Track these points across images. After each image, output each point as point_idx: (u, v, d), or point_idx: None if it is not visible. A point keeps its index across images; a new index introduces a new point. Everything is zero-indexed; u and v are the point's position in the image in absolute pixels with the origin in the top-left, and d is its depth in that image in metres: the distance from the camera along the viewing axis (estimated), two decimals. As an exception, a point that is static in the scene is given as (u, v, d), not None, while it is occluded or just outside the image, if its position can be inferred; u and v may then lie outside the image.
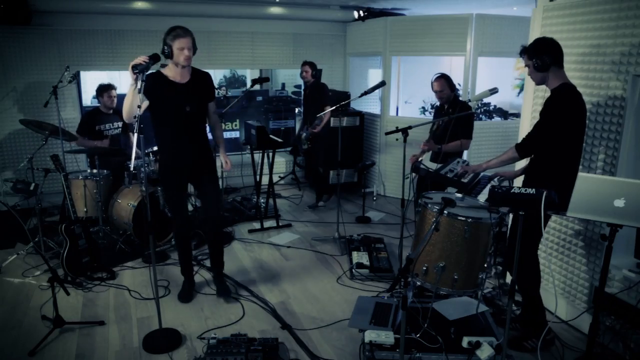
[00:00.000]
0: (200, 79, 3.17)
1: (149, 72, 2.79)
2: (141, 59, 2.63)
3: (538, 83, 2.74)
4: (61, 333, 3.06)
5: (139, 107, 2.61)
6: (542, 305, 2.87)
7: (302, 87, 5.71)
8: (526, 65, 2.73)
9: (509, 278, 3.64)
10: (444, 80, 4.05)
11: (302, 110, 5.88)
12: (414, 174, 3.97)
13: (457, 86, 6.06)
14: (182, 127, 3.13)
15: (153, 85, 2.90)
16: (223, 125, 6.92)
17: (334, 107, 4.46)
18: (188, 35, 2.96)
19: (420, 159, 4.10)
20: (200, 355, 2.74)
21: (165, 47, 2.95)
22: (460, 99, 5.24)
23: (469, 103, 3.69)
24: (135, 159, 2.51)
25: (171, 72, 3.06)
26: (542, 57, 2.59)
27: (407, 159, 3.89)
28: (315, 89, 5.39)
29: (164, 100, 3.03)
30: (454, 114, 3.67)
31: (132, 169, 2.67)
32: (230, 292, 3.52)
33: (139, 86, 2.59)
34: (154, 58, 2.71)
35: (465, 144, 4.01)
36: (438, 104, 4.31)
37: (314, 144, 5.38)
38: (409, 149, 3.87)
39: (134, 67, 2.60)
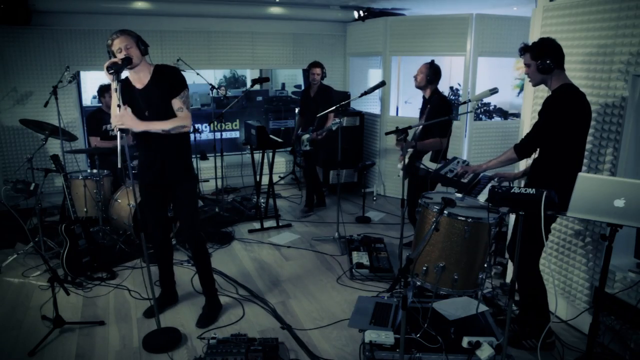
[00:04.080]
0: (161, 77, 2.86)
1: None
2: (114, 59, 2.63)
3: (536, 84, 2.73)
4: (61, 333, 3.06)
5: (119, 106, 2.59)
6: (548, 314, 2.85)
7: (304, 87, 5.65)
8: (526, 64, 2.71)
9: (509, 278, 3.64)
10: (427, 66, 3.98)
11: (299, 110, 5.82)
12: (401, 173, 3.93)
13: (457, 86, 6.08)
14: (145, 135, 2.87)
15: (123, 91, 2.76)
16: (223, 125, 6.94)
17: (333, 108, 4.45)
18: (122, 35, 2.74)
19: (401, 161, 4.09)
20: (200, 355, 2.74)
21: (109, 54, 2.77)
22: (461, 99, 5.24)
23: (469, 103, 3.67)
24: (120, 159, 2.51)
25: (131, 76, 2.89)
26: (546, 59, 2.57)
27: (407, 159, 3.89)
28: (323, 92, 5.28)
29: (130, 107, 2.81)
30: (429, 110, 3.62)
31: (118, 166, 2.64)
32: (207, 325, 3.17)
33: (115, 86, 2.58)
34: (126, 61, 2.68)
35: (437, 142, 3.85)
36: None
37: (315, 146, 5.34)
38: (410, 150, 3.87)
39: (109, 68, 2.57)
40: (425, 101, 4.15)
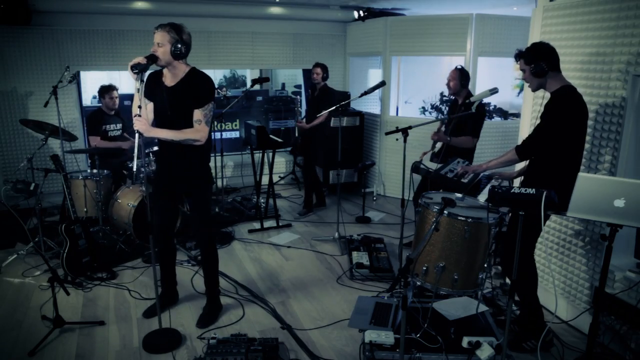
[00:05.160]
0: (191, 82, 2.84)
1: (153, 71, 2.76)
2: (139, 59, 2.59)
3: (535, 89, 2.74)
4: (61, 333, 3.06)
5: (139, 107, 2.61)
6: (540, 309, 2.86)
7: (304, 87, 5.68)
8: (522, 70, 2.72)
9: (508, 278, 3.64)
10: (458, 72, 4.09)
11: (305, 110, 5.84)
12: (414, 174, 3.98)
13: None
14: (165, 140, 2.89)
15: (149, 85, 2.81)
16: (223, 125, 6.93)
17: (333, 107, 4.46)
18: (162, 30, 2.71)
19: (421, 158, 4.11)
20: (200, 355, 2.74)
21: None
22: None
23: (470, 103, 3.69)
24: (136, 159, 2.52)
25: (165, 71, 2.89)
26: (540, 63, 2.58)
27: (407, 159, 3.89)
28: (323, 93, 5.31)
29: (154, 103, 2.88)
30: (462, 112, 3.68)
31: (134, 169, 2.65)
32: (207, 325, 3.17)
33: (138, 86, 2.57)
34: (151, 59, 2.67)
35: (469, 140, 4.00)
36: (438, 103, 4.33)
37: (306, 141, 5.34)
38: (409, 149, 3.87)
39: (133, 67, 2.56)
40: (457, 102, 4.20)
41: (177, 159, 2.94)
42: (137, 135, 2.58)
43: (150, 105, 2.89)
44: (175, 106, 2.83)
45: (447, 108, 4.27)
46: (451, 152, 3.87)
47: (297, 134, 5.31)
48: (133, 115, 2.63)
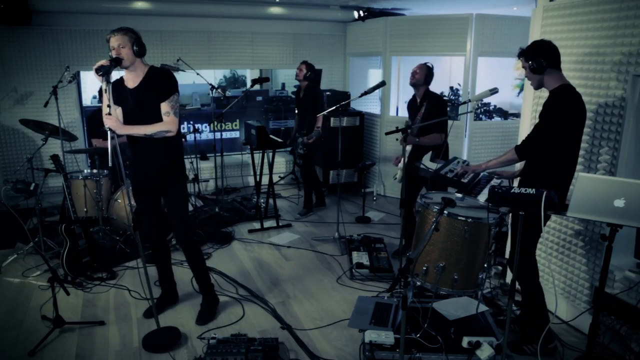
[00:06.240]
0: (152, 78, 2.89)
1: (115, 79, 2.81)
2: (102, 62, 2.61)
3: (536, 87, 2.74)
4: (61, 333, 3.06)
5: (109, 106, 2.60)
6: (543, 301, 2.84)
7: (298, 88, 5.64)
8: (523, 67, 2.73)
9: (509, 278, 3.64)
10: (424, 66, 4.05)
11: (295, 111, 5.82)
12: (398, 177, 3.98)
13: (457, 86, 6.09)
14: (134, 137, 2.91)
15: (114, 92, 2.83)
16: (223, 125, 6.93)
17: (333, 108, 4.45)
18: (118, 34, 2.76)
19: (395, 164, 4.13)
20: (200, 355, 2.74)
21: (109, 51, 2.80)
22: (461, 99, 5.25)
23: (469, 103, 3.68)
24: (111, 158, 2.52)
25: (126, 75, 2.93)
26: (538, 59, 2.58)
27: (404, 160, 3.89)
28: (309, 94, 5.28)
29: (122, 107, 2.90)
30: (429, 109, 3.66)
31: (109, 165, 2.64)
32: (206, 322, 3.21)
33: (105, 86, 2.59)
34: (115, 61, 2.70)
35: (438, 137, 3.96)
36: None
37: (309, 149, 5.35)
38: (409, 149, 3.87)
39: (97, 70, 2.57)
40: (415, 100, 4.17)
41: (145, 157, 2.96)
42: (109, 133, 2.59)
43: (119, 110, 2.90)
44: (141, 105, 2.86)
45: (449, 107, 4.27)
46: (421, 152, 3.83)
47: (302, 148, 5.25)
48: (103, 114, 2.64)
